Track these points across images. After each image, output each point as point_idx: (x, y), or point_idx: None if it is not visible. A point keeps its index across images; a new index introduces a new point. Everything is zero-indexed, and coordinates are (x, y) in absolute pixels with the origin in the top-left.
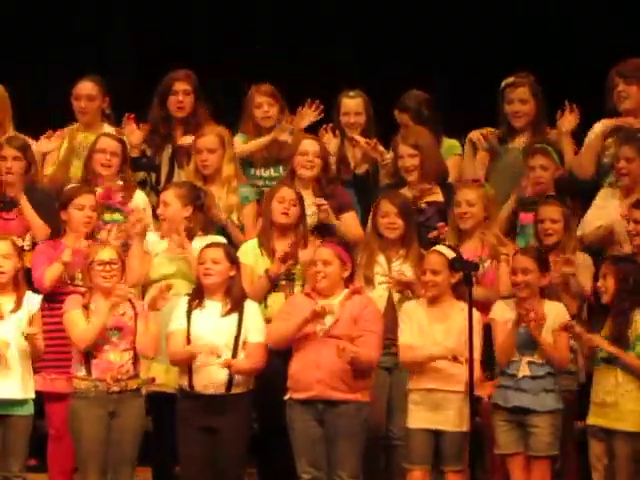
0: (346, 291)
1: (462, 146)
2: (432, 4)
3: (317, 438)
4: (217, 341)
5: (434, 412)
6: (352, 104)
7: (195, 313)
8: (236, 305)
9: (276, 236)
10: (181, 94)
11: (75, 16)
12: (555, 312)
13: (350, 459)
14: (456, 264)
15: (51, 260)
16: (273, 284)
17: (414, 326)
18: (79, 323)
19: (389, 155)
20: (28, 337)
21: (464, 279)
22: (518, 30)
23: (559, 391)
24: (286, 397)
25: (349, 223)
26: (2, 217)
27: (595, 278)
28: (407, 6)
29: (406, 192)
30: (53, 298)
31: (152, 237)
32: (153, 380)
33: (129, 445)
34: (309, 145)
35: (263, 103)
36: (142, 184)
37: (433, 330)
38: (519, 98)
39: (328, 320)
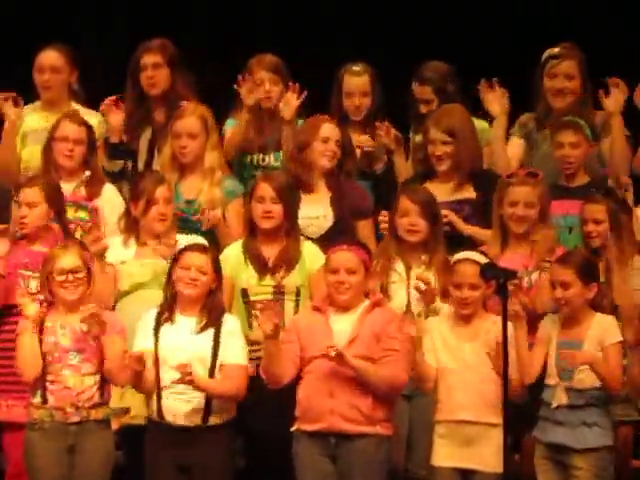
0: (366, 303)
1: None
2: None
3: (328, 476)
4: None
5: (465, 448)
6: (358, 82)
7: (164, 329)
8: (214, 320)
9: (261, 241)
10: (150, 68)
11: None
12: (605, 326)
13: None
14: (487, 272)
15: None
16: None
17: (437, 343)
18: (24, 349)
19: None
20: None
21: (498, 289)
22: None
23: (610, 423)
24: (293, 428)
25: (364, 235)
26: None
27: None
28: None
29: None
30: (6, 312)
31: (116, 243)
32: (127, 411)
33: None
34: (330, 130)
35: (265, 79)
36: (120, 174)
37: (463, 350)
38: (565, 73)
39: (342, 339)
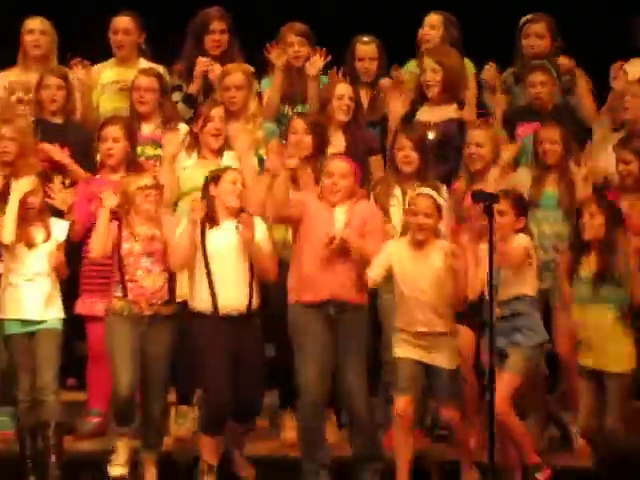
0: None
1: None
2: None
3: (327, 343)
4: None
5: (423, 349)
6: (367, 50)
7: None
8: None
9: None
10: (218, 33)
11: None
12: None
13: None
14: (477, 196)
15: (88, 200)
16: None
17: (395, 267)
18: (98, 230)
19: None
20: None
21: (485, 209)
22: None
23: (537, 325)
24: (292, 301)
25: (375, 166)
26: (41, 151)
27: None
28: None
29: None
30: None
31: (182, 156)
32: None
33: (160, 361)
34: (344, 89)
35: (294, 42)
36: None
37: (419, 274)
38: (536, 33)
39: (339, 225)
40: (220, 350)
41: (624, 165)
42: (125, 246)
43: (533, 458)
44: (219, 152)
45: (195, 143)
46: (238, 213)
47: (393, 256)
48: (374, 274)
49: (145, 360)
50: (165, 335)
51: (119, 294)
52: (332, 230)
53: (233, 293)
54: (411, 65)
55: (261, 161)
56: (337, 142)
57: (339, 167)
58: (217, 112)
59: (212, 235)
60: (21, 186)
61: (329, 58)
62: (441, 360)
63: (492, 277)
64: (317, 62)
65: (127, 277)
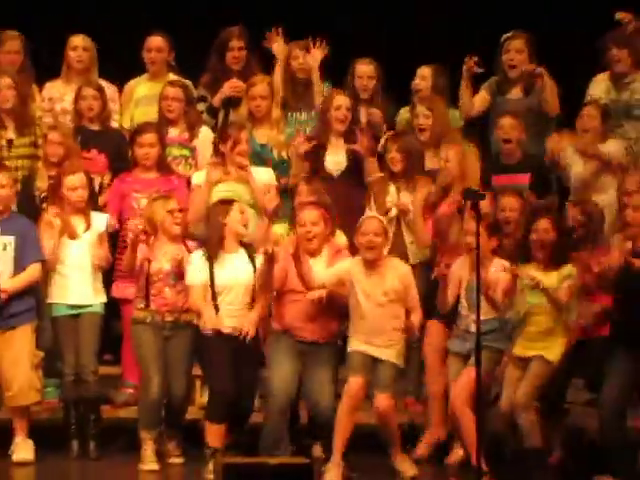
0: (326, 249)
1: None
2: None
3: (297, 371)
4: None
5: (374, 347)
6: (366, 69)
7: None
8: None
9: None
10: (237, 50)
11: None
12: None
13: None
14: (467, 194)
15: (122, 195)
16: None
17: (356, 285)
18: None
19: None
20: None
21: (472, 206)
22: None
23: (504, 342)
24: (274, 326)
25: (371, 168)
26: (84, 156)
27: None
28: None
29: None
30: (122, 225)
31: (200, 177)
32: None
33: (182, 355)
34: (342, 100)
35: (299, 55)
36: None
37: (375, 291)
38: (515, 48)
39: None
40: (223, 348)
41: None
42: (155, 265)
43: (478, 461)
44: (245, 168)
45: (222, 161)
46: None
47: (351, 273)
48: (325, 277)
49: (169, 353)
50: (186, 339)
51: (141, 306)
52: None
53: (236, 321)
54: (404, 111)
55: (282, 162)
56: (337, 147)
57: (310, 216)
58: (244, 135)
59: (220, 270)
60: (71, 182)
61: (326, 51)
62: (389, 355)
63: (479, 274)
64: (317, 55)
65: (153, 292)
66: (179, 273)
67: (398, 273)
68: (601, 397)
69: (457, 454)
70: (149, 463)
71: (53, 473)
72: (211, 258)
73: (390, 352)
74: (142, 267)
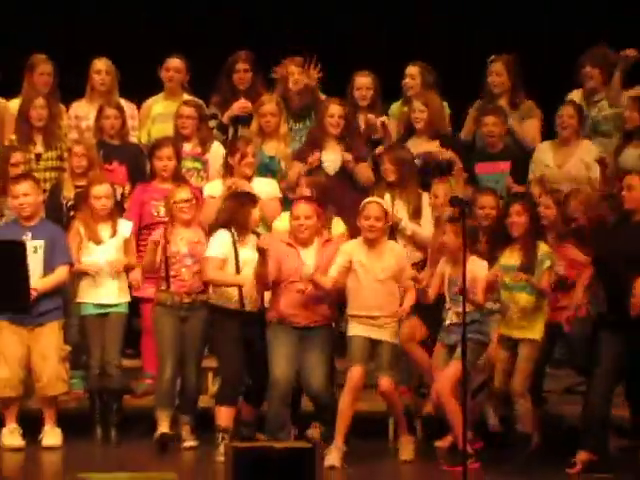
0: (317, 240)
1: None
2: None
3: (295, 355)
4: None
5: (372, 327)
6: (364, 81)
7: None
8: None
9: None
10: (242, 72)
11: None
12: (476, 266)
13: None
14: (454, 201)
15: (141, 203)
16: None
17: (355, 263)
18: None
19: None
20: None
21: (460, 213)
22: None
23: (485, 333)
24: (271, 317)
25: (363, 171)
26: (106, 168)
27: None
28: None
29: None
30: (147, 227)
31: (217, 183)
32: None
33: (196, 341)
34: (335, 109)
35: (295, 72)
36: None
37: (373, 267)
38: (496, 71)
39: (310, 267)
40: (234, 337)
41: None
42: (173, 248)
43: (465, 445)
44: (251, 179)
45: (230, 172)
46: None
47: (351, 254)
48: (334, 272)
49: (184, 338)
50: (201, 318)
51: (163, 287)
52: (301, 269)
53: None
54: (395, 106)
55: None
56: (332, 149)
57: (303, 209)
58: (251, 149)
59: (242, 248)
60: (97, 192)
61: (319, 72)
62: (386, 336)
63: (465, 277)
64: (312, 74)
65: (172, 273)
66: (195, 255)
67: (395, 254)
68: (591, 381)
69: (448, 439)
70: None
71: (78, 457)
72: (235, 236)
73: (387, 332)
74: (164, 250)
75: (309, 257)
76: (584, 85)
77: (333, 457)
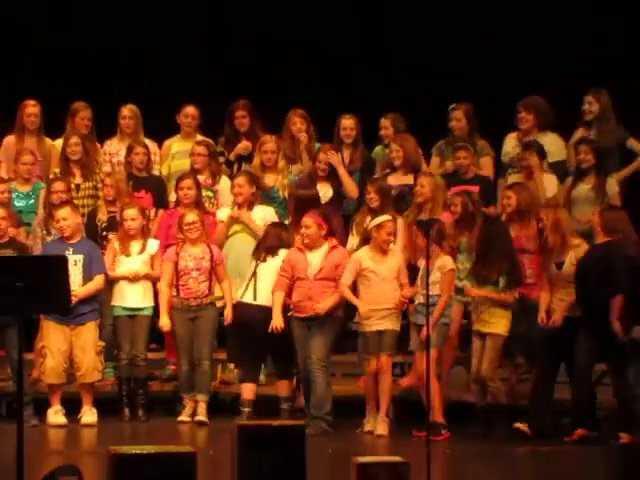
0: (326, 245)
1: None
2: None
3: (306, 337)
4: None
5: (379, 319)
6: (348, 123)
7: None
8: None
9: None
10: (240, 118)
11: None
12: (444, 262)
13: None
14: (420, 223)
15: (168, 226)
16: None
17: (364, 265)
18: (165, 274)
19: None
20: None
21: (426, 231)
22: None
23: (449, 315)
24: (289, 314)
25: (351, 186)
26: (135, 195)
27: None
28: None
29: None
30: (168, 245)
31: (226, 209)
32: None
33: (206, 336)
34: (323, 158)
35: (297, 122)
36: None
37: (380, 269)
38: (456, 117)
39: (315, 267)
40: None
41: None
42: (182, 263)
43: (439, 417)
44: (252, 206)
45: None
46: None
47: (361, 260)
48: (347, 281)
49: (197, 334)
50: (208, 317)
51: (175, 294)
52: (307, 268)
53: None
54: (378, 148)
55: (285, 200)
56: (323, 185)
57: (305, 222)
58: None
59: None
60: (128, 214)
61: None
62: (389, 325)
63: (428, 277)
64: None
65: (181, 283)
66: (200, 268)
67: (395, 258)
68: (575, 366)
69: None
70: (183, 417)
71: (111, 432)
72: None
73: (390, 321)
74: (175, 265)
75: (315, 258)
76: (520, 127)
77: (371, 424)
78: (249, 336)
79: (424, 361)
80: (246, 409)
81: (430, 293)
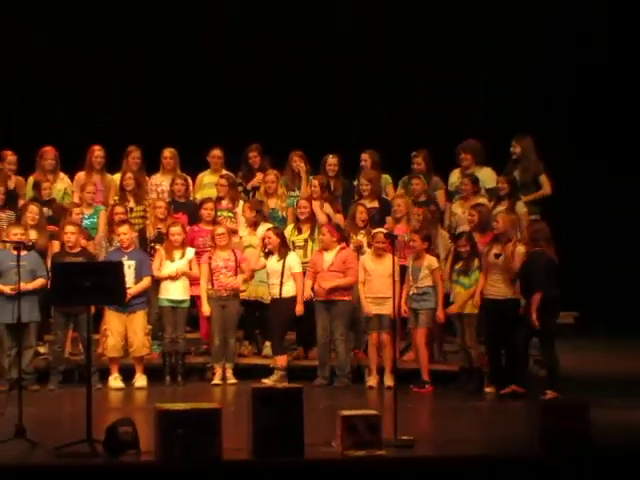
0: (337, 247)
1: (393, 182)
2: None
3: (327, 318)
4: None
5: (378, 305)
6: (332, 160)
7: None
8: None
9: None
10: (253, 157)
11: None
12: (431, 261)
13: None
14: (388, 235)
15: (193, 238)
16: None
17: (366, 266)
18: (203, 273)
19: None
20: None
21: (391, 242)
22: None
23: (433, 302)
24: (313, 299)
25: (339, 219)
26: (176, 216)
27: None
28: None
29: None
30: (197, 253)
31: (243, 227)
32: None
33: (233, 318)
34: (315, 186)
35: (296, 160)
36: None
37: (379, 268)
38: (417, 162)
39: (328, 263)
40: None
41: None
42: (214, 264)
43: (425, 376)
44: (257, 225)
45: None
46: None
47: (364, 263)
48: (361, 278)
49: (226, 318)
50: (235, 305)
51: (210, 287)
52: (323, 264)
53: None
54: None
55: (284, 219)
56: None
57: (322, 230)
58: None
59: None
60: (173, 230)
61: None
62: (386, 310)
63: (394, 278)
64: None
65: (214, 278)
66: (228, 267)
67: (389, 260)
68: (515, 341)
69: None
70: (216, 380)
71: (157, 394)
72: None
73: (386, 306)
74: (209, 264)
75: (329, 257)
76: (461, 165)
77: (371, 381)
78: (278, 320)
79: (417, 334)
80: (280, 372)
81: (420, 285)
